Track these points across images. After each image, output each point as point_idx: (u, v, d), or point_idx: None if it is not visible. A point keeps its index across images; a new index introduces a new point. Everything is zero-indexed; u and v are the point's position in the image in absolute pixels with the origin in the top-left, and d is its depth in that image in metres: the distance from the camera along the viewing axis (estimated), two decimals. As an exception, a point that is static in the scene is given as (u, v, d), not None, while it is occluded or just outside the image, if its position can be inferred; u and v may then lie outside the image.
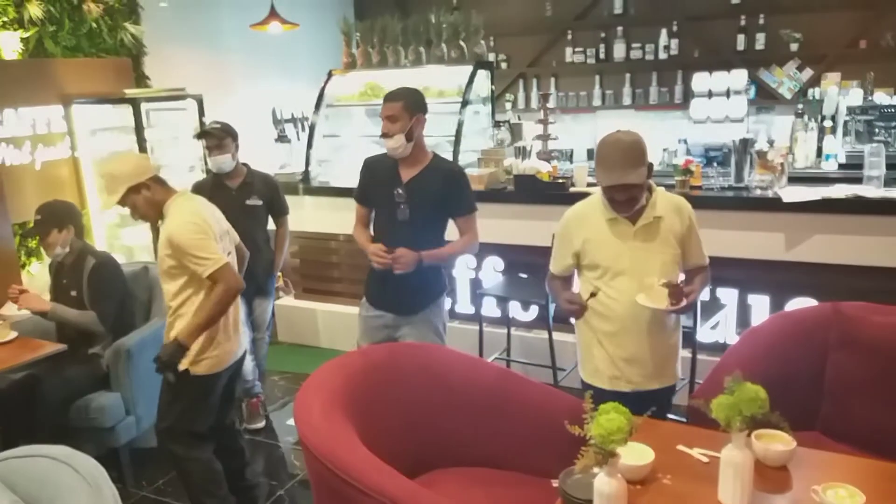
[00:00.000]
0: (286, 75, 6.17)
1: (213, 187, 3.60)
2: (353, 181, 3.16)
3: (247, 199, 3.68)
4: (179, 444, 2.74)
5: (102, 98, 4.42)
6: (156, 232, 4.49)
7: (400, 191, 2.84)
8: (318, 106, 4.93)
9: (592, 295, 2.46)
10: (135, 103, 4.29)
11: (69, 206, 3.41)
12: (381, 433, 2.22)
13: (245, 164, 3.74)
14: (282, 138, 5.27)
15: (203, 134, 3.62)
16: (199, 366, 2.68)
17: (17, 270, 3.88)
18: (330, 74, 5.09)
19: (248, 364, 3.72)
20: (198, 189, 3.56)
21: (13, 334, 3.17)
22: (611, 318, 2.45)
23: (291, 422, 3.95)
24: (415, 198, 2.84)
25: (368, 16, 6.28)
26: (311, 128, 4.98)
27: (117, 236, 4.73)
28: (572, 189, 4.07)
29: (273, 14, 4.63)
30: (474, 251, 3.04)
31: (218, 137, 3.55)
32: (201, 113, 4.69)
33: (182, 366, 2.64)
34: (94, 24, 4.46)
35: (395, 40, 4.82)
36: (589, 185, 4.06)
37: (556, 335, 3.69)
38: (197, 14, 5.39)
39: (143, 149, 4.32)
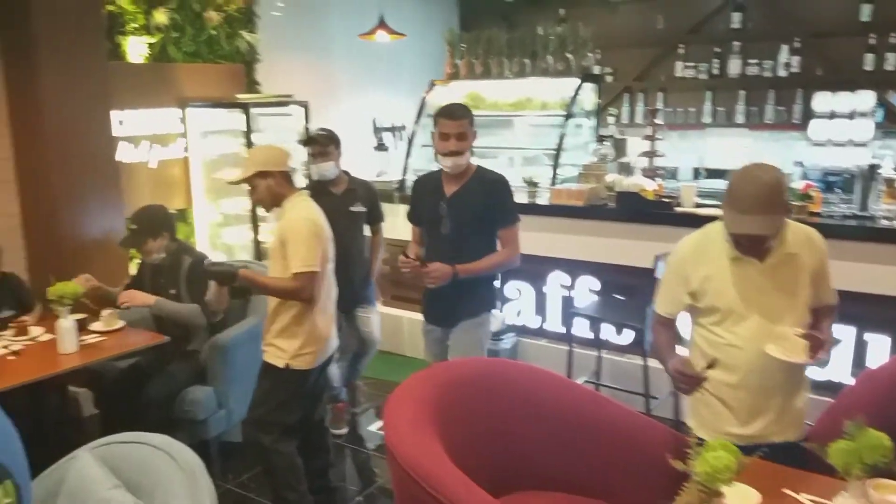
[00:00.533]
0: (388, 85, 6.27)
1: (317, 193, 3.59)
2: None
3: (351, 205, 3.69)
4: (268, 435, 2.81)
5: (216, 102, 4.62)
6: (255, 231, 4.67)
7: (443, 205, 2.87)
8: (418, 115, 4.97)
9: (710, 366, 2.10)
10: (246, 108, 4.47)
11: (162, 213, 3.52)
12: (467, 448, 2.17)
13: (345, 172, 3.78)
14: (380, 147, 5.36)
15: (308, 140, 3.68)
16: (299, 360, 2.78)
17: (127, 262, 4.09)
18: (432, 84, 5.12)
19: (335, 369, 3.76)
20: (313, 190, 3.59)
21: (121, 323, 3.33)
22: (731, 369, 2.12)
23: (373, 428, 3.96)
24: (457, 211, 2.86)
25: (474, 27, 6.29)
26: (410, 137, 5.03)
27: (218, 235, 4.92)
28: (678, 209, 3.89)
29: (381, 24, 4.72)
30: (515, 265, 2.97)
31: (322, 144, 3.60)
32: (307, 119, 4.82)
33: (283, 361, 2.76)
34: (214, 32, 4.68)
35: (501, 51, 4.80)
36: (697, 205, 3.87)
37: (651, 362, 3.53)
38: (308, 22, 5.57)
39: (250, 151, 4.47)
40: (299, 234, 2.68)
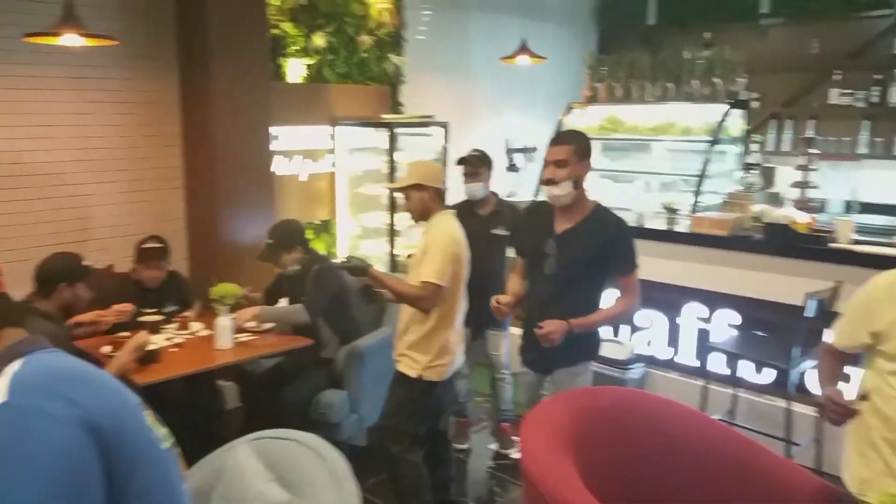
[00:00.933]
0: (524, 107, 6.32)
1: (462, 213, 3.61)
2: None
3: (494, 227, 3.66)
4: (398, 444, 2.91)
5: (363, 121, 4.87)
6: (392, 244, 4.84)
7: (551, 241, 2.66)
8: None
9: (863, 398, 2.02)
10: (391, 127, 4.66)
11: (295, 228, 3.72)
12: (601, 477, 2.13)
13: (494, 194, 3.79)
14: (511, 167, 5.42)
15: (461, 160, 3.73)
16: (431, 371, 2.87)
17: (274, 269, 4.36)
18: (569, 108, 5.12)
19: (462, 384, 3.81)
20: (459, 210, 3.69)
21: (270, 325, 3.55)
22: None
23: (493, 445, 3.97)
24: (565, 251, 2.64)
25: (612, 51, 6.23)
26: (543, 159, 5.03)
27: (357, 246, 5.15)
28: (832, 245, 3.64)
29: (523, 48, 4.78)
30: (633, 313, 2.79)
31: (474, 165, 3.65)
32: (446, 139, 4.96)
33: (416, 372, 2.86)
34: (365, 55, 4.93)
35: (643, 75, 4.72)
36: (853, 241, 3.61)
37: (795, 405, 3.31)
38: (451, 45, 5.74)
39: (392, 169, 4.67)
40: (439, 249, 2.78)
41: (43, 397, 0.94)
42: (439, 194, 2.92)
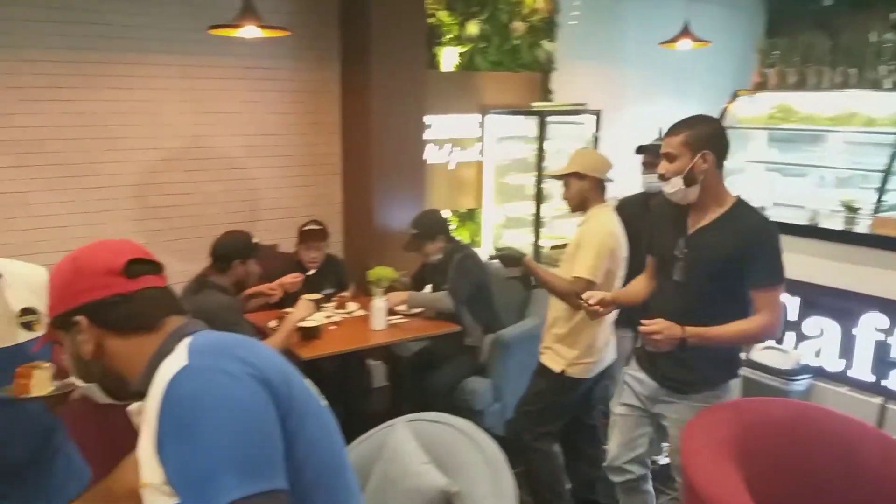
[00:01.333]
0: (680, 94, 6.00)
1: (634, 205, 3.50)
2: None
3: None
4: (531, 432, 2.90)
5: (513, 109, 4.83)
6: (536, 235, 4.78)
7: (681, 242, 2.28)
8: (716, 128, 4.67)
9: None
10: (542, 116, 4.59)
11: (438, 218, 3.75)
12: (768, 495, 1.98)
13: None
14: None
15: (640, 149, 3.55)
16: (575, 368, 2.83)
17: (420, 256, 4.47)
18: (734, 94, 4.79)
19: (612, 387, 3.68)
20: (624, 204, 3.56)
21: (419, 308, 3.63)
22: None
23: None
24: (695, 254, 2.25)
25: (782, 34, 5.75)
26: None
27: (500, 236, 5.14)
28: None
29: (685, 32, 4.52)
30: (767, 338, 2.31)
31: (653, 155, 3.33)
32: (597, 127, 4.82)
33: (560, 366, 2.82)
34: (517, 42, 4.89)
35: (821, 60, 4.31)
36: None
37: None
38: (604, 30, 5.56)
39: (541, 158, 4.60)
40: (594, 244, 2.71)
41: (219, 359, 1.01)
42: (600, 185, 2.83)
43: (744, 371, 3.94)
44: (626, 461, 2.60)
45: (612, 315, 2.87)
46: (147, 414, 1.02)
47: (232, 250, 2.95)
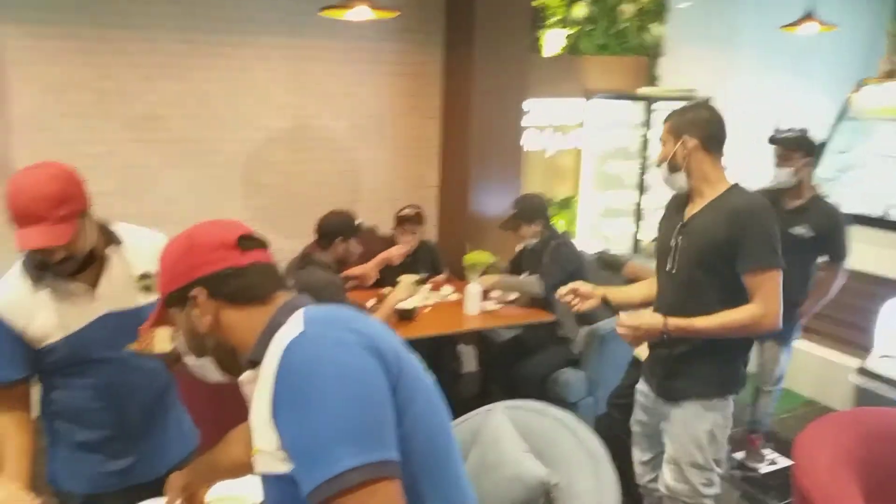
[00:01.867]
0: (797, 83, 5.65)
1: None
2: (862, 207, 2.54)
3: (794, 225, 3.09)
4: (622, 427, 2.78)
5: (619, 94, 4.68)
6: (637, 226, 4.64)
7: (677, 231, 2.18)
8: (839, 118, 4.38)
9: None
10: (648, 102, 4.43)
11: (539, 202, 3.69)
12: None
13: (813, 186, 3.26)
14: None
15: (772, 140, 3.25)
16: None
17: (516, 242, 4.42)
18: (861, 83, 4.46)
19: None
20: None
21: (515, 295, 3.60)
22: None
23: (739, 455, 3.65)
24: (685, 242, 2.14)
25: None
26: (823, 142, 4.45)
27: (599, 226, 5.01)
28: None
29: (810, 15, 4.22)
30: (762, 329, 2.06)
31: (785, 147, 3.15)
32: (706, 116, 4.59)
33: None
34: (625, 25, 4.73)
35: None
36: None
37: None
38: (717, 14, 5.28)
39: (645, 146, 4.44)
40: None
41: (333, 329, 1.03)
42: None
43: (858, 380, 3.69)
44: (650, 480, 2.47)
45: None
46: (262, 381, 1.04)
47: (335, 228, 3.01)
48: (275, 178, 4.06)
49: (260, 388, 1.04)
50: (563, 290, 2.41)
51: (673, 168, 2.16)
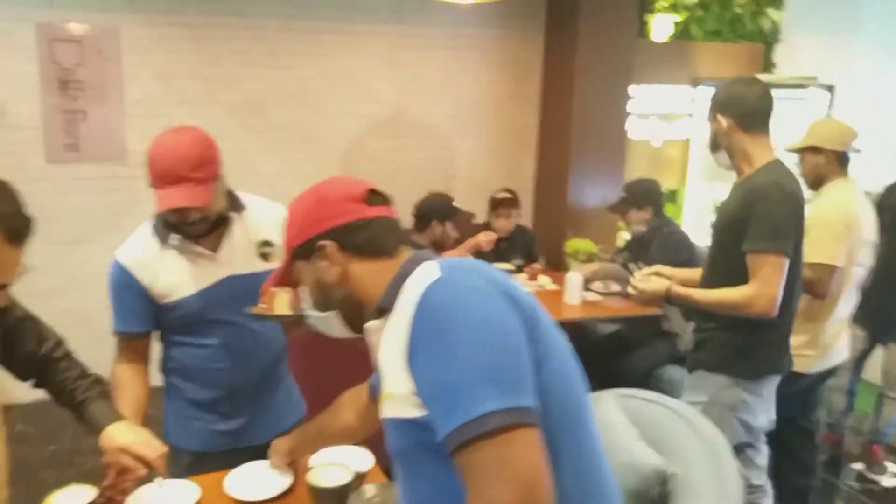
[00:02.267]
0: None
1: None
2: None
3: None
4: None
5: (732, 81, 4.43)
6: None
7: (715, 208, 2.16)
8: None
9: None
10: (765, 89, 4.16)
11: (651, 188, 3.52)
12: None
13: None
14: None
15: None
16: (795, 359, 2.46)
17: (616, 231, 4.26)
18: None
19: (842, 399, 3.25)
20: (890, 193, 3.15)
21: (617, 287, 3.45)
22: None
23: (858, 465, 3.36)
24: (714, 220, 2.19)
25: None
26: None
27: (706, 220, 4.77)
28: None
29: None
30: (757, 312, 1.98)
31: None
32: (830, 105, 4.29)
33: None
34: (739, 10, 4.48)
35: None
36: None
37: None
38: (841, -2, 4.94)
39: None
40: (826, 224, 2.38)
41: (469, 275, 1.00)
42: (839, 159, 2.50)
43: None
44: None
45: (848, 308, 2.54)
46: (394, 327, 1.01)
47: (432, 210, 2.98)
48: (371, 165, 4.08)
49: (391, 334, 1.02)
50: (646, 270, 2.37)
51: (714, 146, 2.18)
